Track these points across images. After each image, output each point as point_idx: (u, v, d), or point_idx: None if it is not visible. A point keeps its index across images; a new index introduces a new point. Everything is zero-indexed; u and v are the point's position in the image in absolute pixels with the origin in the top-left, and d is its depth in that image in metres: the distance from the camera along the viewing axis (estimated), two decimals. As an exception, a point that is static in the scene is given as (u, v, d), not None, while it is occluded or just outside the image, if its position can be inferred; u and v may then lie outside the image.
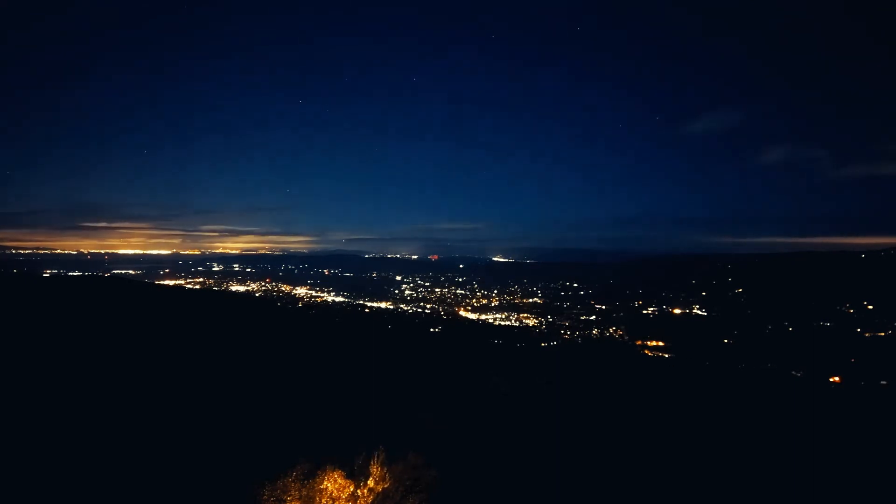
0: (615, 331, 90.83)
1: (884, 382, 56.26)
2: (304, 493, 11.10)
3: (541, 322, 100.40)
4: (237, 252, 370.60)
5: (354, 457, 12.11)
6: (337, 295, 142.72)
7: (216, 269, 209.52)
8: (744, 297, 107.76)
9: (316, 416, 21.03)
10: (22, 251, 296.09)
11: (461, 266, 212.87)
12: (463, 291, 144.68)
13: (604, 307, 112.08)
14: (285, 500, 10.93)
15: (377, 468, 11.90)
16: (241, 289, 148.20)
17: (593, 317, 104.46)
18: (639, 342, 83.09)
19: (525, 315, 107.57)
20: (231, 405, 21.18)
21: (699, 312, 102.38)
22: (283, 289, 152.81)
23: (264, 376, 27.20)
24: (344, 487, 11.43)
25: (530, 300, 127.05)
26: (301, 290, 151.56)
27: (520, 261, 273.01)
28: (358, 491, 11.56)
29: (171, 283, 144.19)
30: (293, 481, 11.16)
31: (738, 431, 25.41)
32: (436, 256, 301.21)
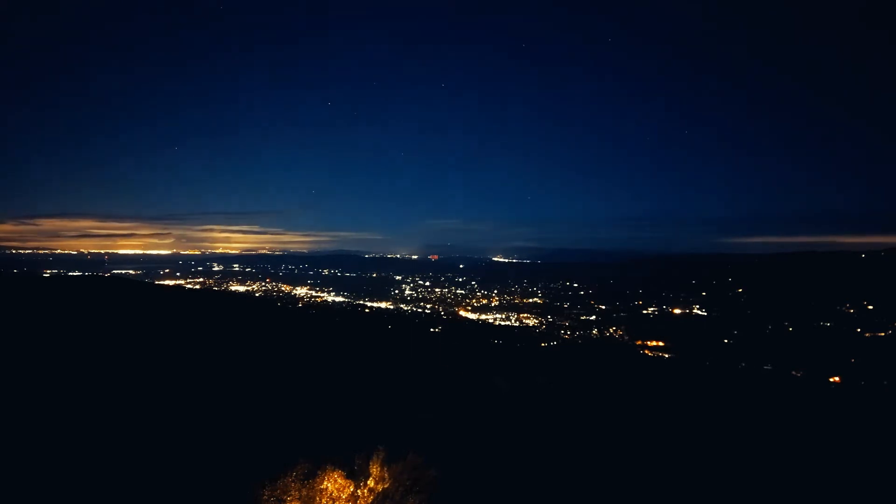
0: (615, 331, 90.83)
1: (885, 383, 56.26)
2: (304, 493, 11.11)
3: (541, 322, 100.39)
4: (237, 252, 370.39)
5: (354, 457, 12.12)
6: (337, 295, 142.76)
7: (216, 269, 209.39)
8: (744, 297, 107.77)
9: (316, 416, 21.05)
10: (22, 251, 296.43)
11: (461, 266, 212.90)
12: (463, 291, 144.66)
13: (604, 307, 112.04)
14: (285, 500, 10.93)
15: (377, 468, 11.90)
16: (242, 289, 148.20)
17: (593, 317, 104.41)
18: (639, 342, 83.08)
19: (525, 315, 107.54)
20: (231, 405, 21.21)
21: (699, 312, 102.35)
22: (283, 289, 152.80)
23: (264, 376, 27.21)
24: (344, 487, 11.44)
25: (530, 300, 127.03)
26: (301, 290, 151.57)
27: (520, 261, 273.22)
28: (358, 491, 11.57)
29: (171, 283, 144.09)
30: (293, 481, 11.16)
31: (738, 431, 25.43)
32: (436, 256, 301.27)
